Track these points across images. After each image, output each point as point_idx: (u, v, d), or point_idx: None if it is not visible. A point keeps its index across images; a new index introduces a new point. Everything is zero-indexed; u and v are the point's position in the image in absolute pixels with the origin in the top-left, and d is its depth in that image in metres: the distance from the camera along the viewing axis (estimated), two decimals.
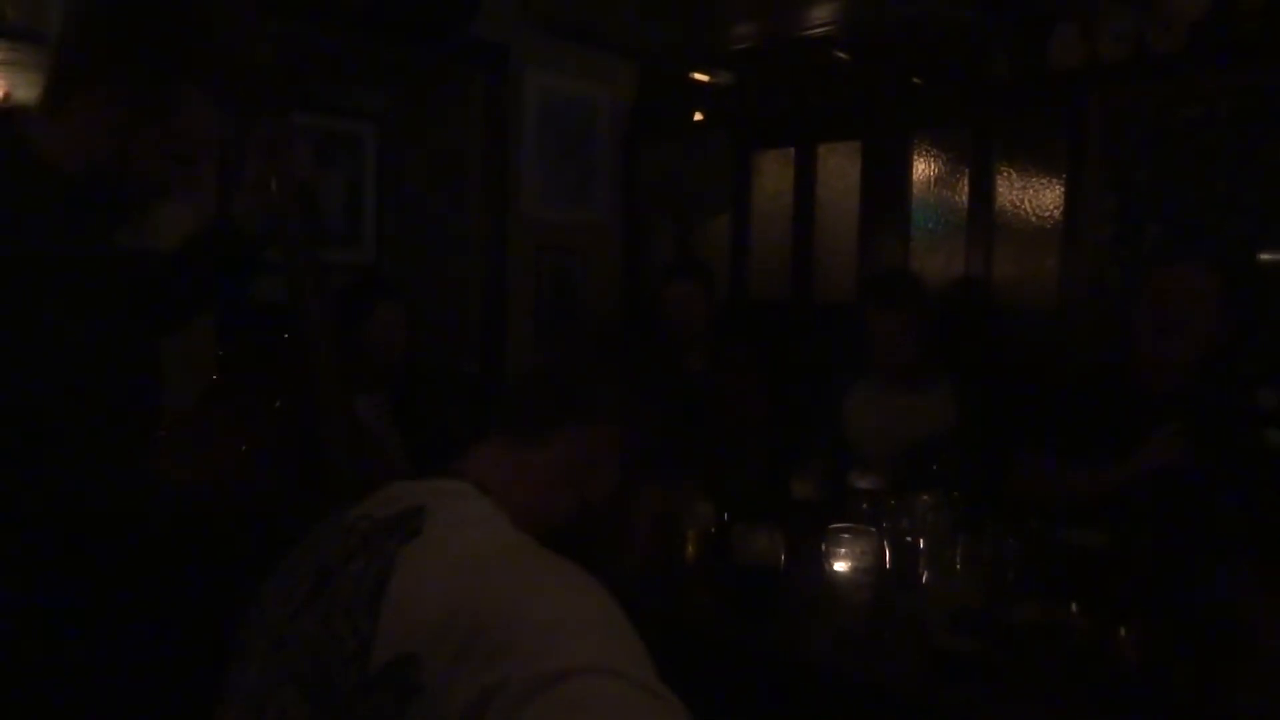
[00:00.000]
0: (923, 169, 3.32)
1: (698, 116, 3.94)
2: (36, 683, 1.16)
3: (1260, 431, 2.03)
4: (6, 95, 2.45)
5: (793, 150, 3.65)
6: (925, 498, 1.88)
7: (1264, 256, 2.60)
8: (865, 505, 2.03)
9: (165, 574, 1.28)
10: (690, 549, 1.94)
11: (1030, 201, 3.05)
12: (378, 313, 2.46)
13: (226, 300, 1.61)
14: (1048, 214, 3.01)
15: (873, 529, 1.79)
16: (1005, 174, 3.10)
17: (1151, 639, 1.36)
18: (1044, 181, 3.02)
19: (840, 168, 3.53)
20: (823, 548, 1.75)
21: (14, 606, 1.15)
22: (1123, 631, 1.37)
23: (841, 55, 3.53)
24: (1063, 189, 2.97)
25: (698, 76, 3.95)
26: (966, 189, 3.19)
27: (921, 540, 1.80)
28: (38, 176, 1.21)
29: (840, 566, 1.72)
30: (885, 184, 3.38)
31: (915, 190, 3.33)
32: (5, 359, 1.11)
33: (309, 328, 1.47)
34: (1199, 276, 2.07)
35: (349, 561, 0.86)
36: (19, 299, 1.12)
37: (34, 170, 1.21)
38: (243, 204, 1.53)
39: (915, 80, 3.32)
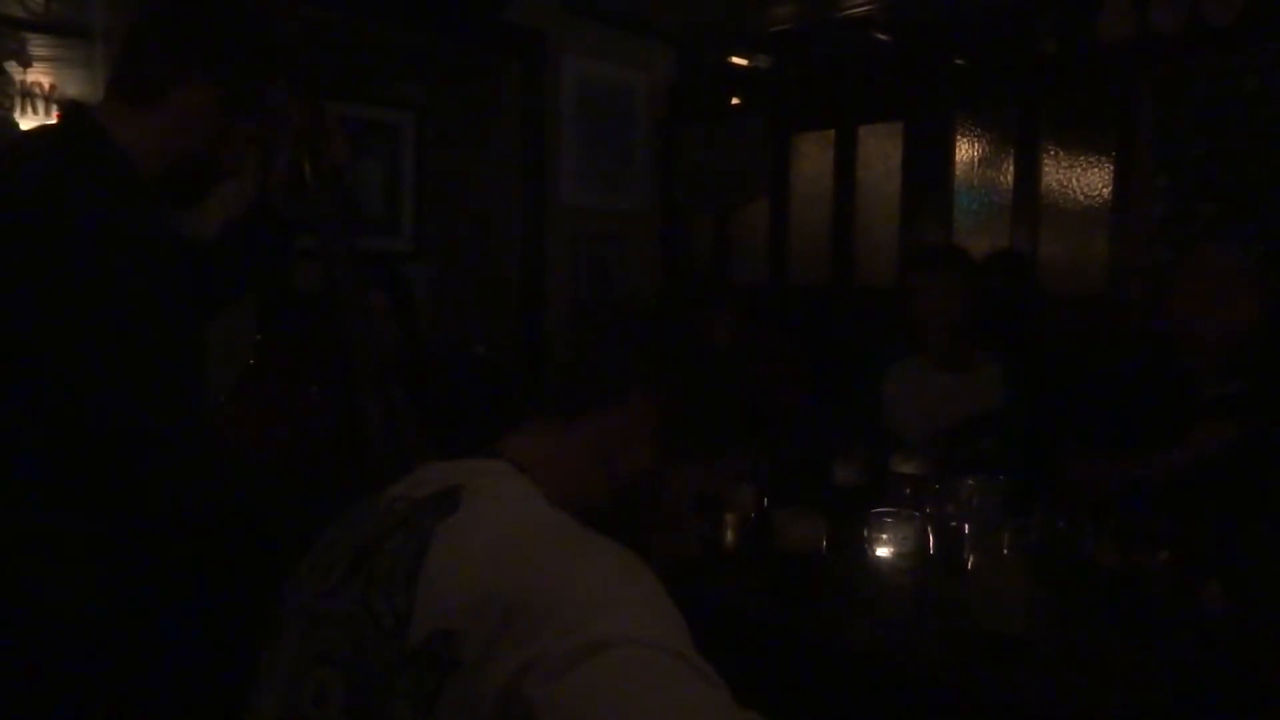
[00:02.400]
0: (966, 150, 3.25)
1: (736, 100, 3.90)
2: (88, 656, 1.18)
3: None
4: (53, 88, 2.49)
5: (833, 132, 3.60)
6: (970, 481, 1.85)
7: None
8: (908, 490, 1.99)
9: (212, 557, 1.30)
10: (731, 534, 1.92)
11: (1078, 181, 2.98)
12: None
13: (263, 286, 1.63)
14: (1096, 194, 2.94)
15: (916, 514, 1.75)
16: (1052, 153, 3.03)
17: (1242, 594, 1.31)
18: (1092, 160, 2.94)
19: (881, 149, 3.47)
20: (865, 533, 1.72)
21: (85, 582, 1.18)
22: (1214, 585, 1.31)
23: (881, 36, 3.47)
24: (1112, 168, 2.89)
25: (736, 60, 3.91)
26: (1012, 169, 3.12)
27: (966, 525, 1.77)
28: (118, 169, 1.24)
29: (883, 552, 1.69)
30: (928, 165, 3.31)
31: (958, 171, 3.26)
32: (81, 343, 1.13)
33: (346, 314, 1.48)
34: (1234, 257, 2.02)
35: (386, 540, 0.86)
36: (98, 287, 1.14)
37: (115, 163, 1.24)
38: (278, 190, 1.54)
39: (958, 61, 3.25)
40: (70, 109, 1.32)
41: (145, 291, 1.18)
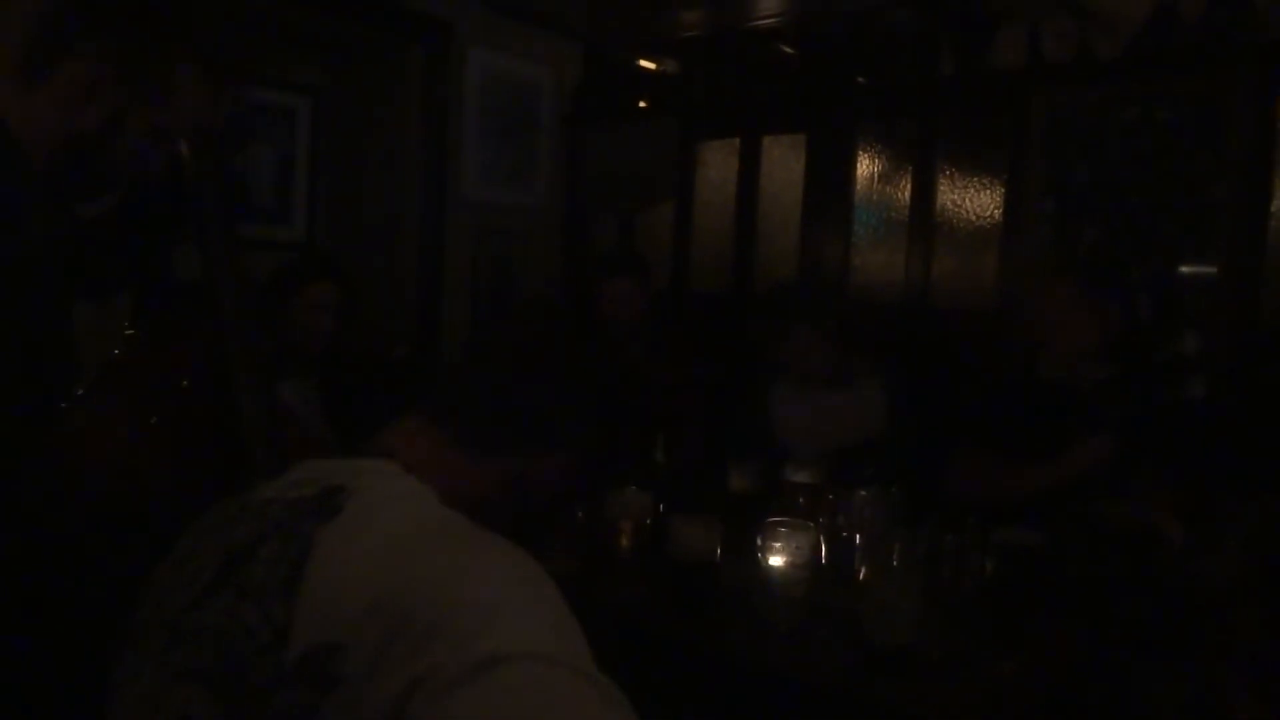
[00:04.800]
0: (867, 165, 3.32)
1: (642, 103, 3.89)
2: None
3: (1183, 381, 2.10)
4: None
5: (738, 141, 3.63)
6: (863, 493, 1.87)
7: (1188, 267, 2.66)
8: (801, 500, 2.00)
9: (62, 563, 1.20)
10: (625, 540, 1.90)
11: (971, 201, 3.07)
12: (307, 293, 2.36)
13: (141, 276, 1.52)
14: (988, 215, 3.04)
15: (810, 524, 1.76)
16: (947, 173, 3.12)
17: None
18: (985, 182, 3.04)
19: (785, 160, 3.52)
20: (759, 541, 1.72)
21: None
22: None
23: (787, 49, 3.52)
24: (1003, 190, 2.99)
25: (644, 63, 3.90)
26: (909, 187, 3.20)
27: (858, 536, 1.78)
28: (3, 151, 1.14)
29: (776, 561, 1.69)
30: (829, 178, 3.37)
31: (859, 186, 3.33)
32: None
33: (224, 303, 1.38)
34: (1075, 290, 2.17)
35: (259, 545, 0.80)
36: None
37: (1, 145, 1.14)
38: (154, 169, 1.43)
39: (860, 79, 3.32)
40: None
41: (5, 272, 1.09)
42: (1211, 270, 2.63)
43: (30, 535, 1.17)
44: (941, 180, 3.13)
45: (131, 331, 1.44)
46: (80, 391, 1.28)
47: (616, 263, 3.09)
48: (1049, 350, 2.20)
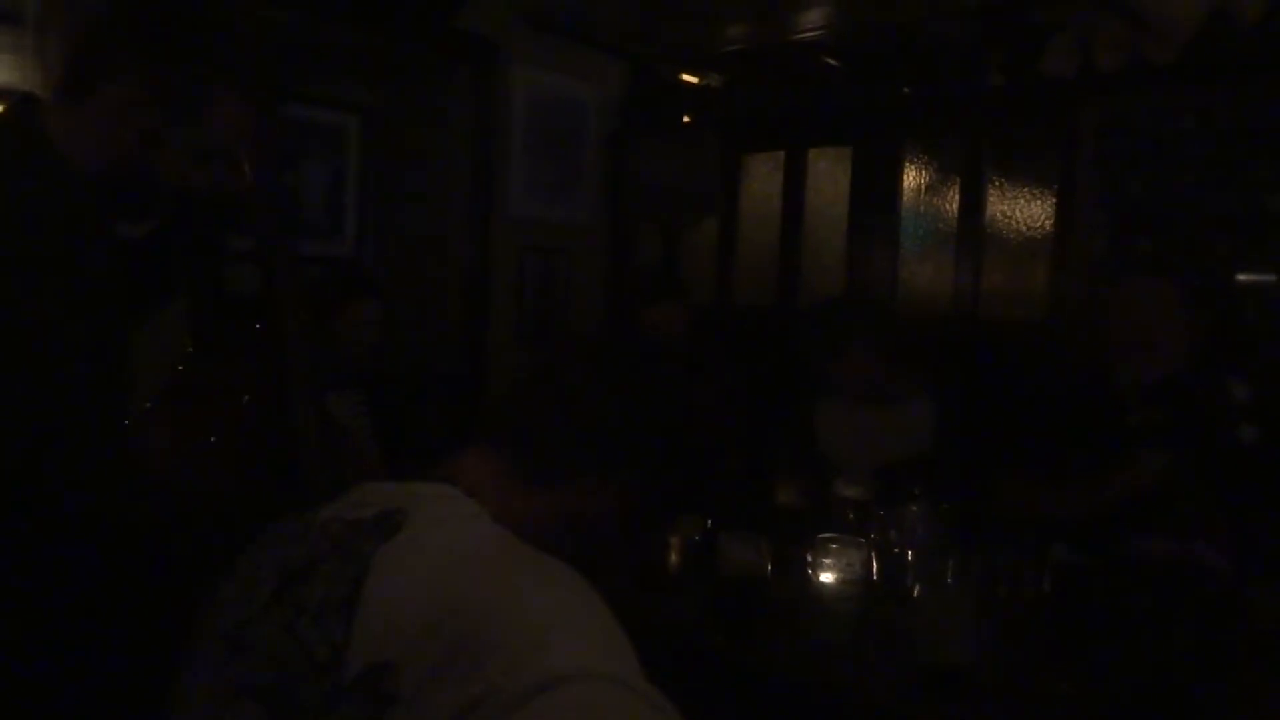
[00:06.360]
0: (913, 177, 3.28)
1: (687, 119, 3.90)
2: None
3: (1235, 427, 2.00)
4: None
5: (782, 154, 3.62)
6: (914, 509, 1.84)
7: (1246, 276, 2.59)
8: (852, 515, 1.98)
9: (126, 575, 1.23)
10: (675, 557, 1.89)
11: (1021, 213, 3.03)
12: (350, 310, 2.40)
13: (196, 286, 1.56)
14: (1038, 226, 2.99)
15: (861, 540, 1.74)
16: (996, 184, 3.08)
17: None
18: (1035, 193, 2.99)
19: (830, 173, 3.50)
20: (809, 558, 1.70)
21: None
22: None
23: (832, 61, 3.50)
24: (1054, 201, 2.94)
25: (688, 78, 3.91)
26: (957, 198, 3.16)
27: (910, 552, 1.76)
28: (53, 171, 1.19)
29: (827, 577, 1.68)
30: (875, 191, 3.34)
31: (905, 198, 3.29)
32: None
33: (281, 320, 1.41)
34: (1165, 291, 2.06)
35: (318, 564, 0.81)
36: (18, 293, 1.10)
37: (50, 165, 1.19)
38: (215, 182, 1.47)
39: (905, 89, 3.29)
40: (16, 103, 1.27)
41: (58, 289, 1.12)
42: (1271, 279, 2.57)
43: (95, 549, 1.20)
44: (990, 191, 3.09)
45: (193, 349, 1.48)
46: (149, 405, 1.32)
47: (656, 288, 3.08)
48: (1129, 357, 2.06)
